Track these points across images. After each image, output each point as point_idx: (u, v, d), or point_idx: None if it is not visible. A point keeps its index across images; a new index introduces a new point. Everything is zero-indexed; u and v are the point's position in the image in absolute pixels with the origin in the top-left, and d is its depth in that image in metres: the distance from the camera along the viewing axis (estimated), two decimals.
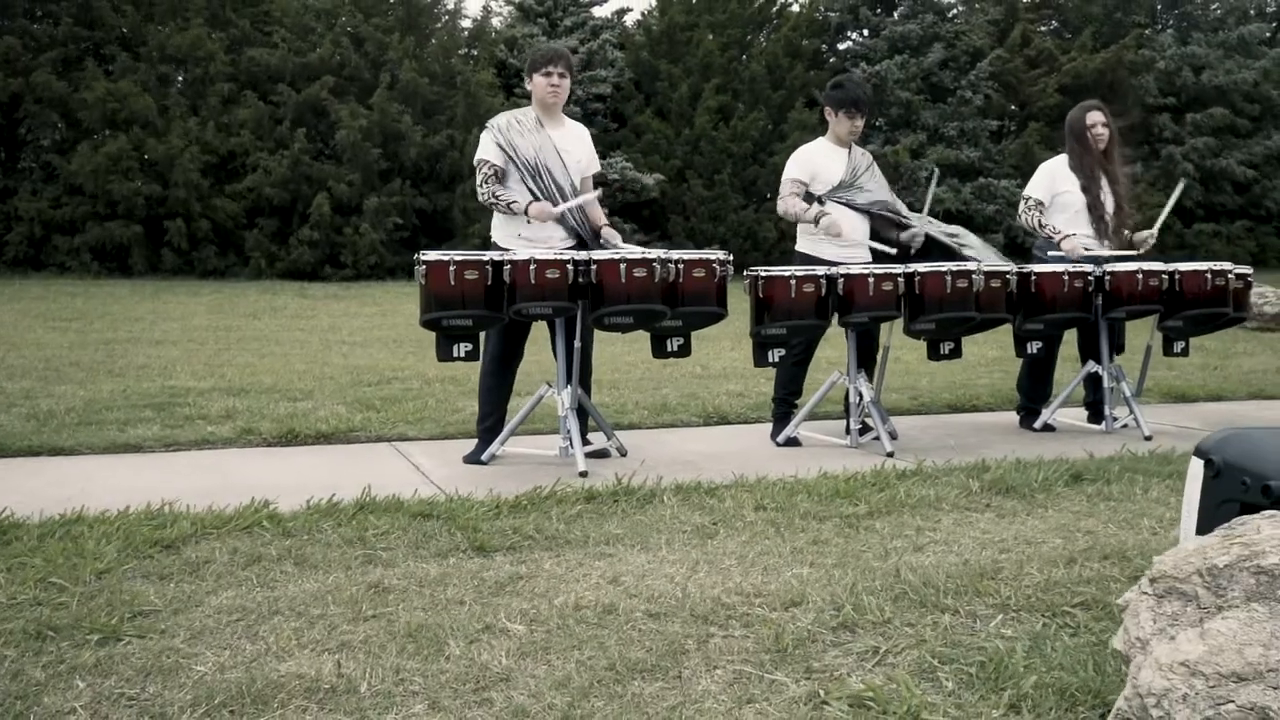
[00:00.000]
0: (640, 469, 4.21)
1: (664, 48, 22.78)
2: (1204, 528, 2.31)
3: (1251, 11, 26.70)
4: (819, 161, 5.17)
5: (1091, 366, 5.43)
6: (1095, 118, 5.55)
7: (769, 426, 5.36)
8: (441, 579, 2.69)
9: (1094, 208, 5.46)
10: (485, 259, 4.15)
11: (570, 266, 4.13)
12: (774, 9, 24.13)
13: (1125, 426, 5.43)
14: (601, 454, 4.74)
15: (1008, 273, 4.89)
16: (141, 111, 18.28)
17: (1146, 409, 6.48)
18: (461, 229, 19.85)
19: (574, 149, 4.74)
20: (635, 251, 4.21)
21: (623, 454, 4.77)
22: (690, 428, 5.79)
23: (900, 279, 4.57)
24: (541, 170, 4.59)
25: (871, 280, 4.49)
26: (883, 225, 5.19)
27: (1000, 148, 23.71)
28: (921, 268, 4.62)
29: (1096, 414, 5.62)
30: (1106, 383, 5.36)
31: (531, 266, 4.07)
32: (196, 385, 7.33)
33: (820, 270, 4.58)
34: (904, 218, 5.13)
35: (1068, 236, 5.37)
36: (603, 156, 20.87)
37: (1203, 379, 8.00)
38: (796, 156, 5.23)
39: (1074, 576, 2.61)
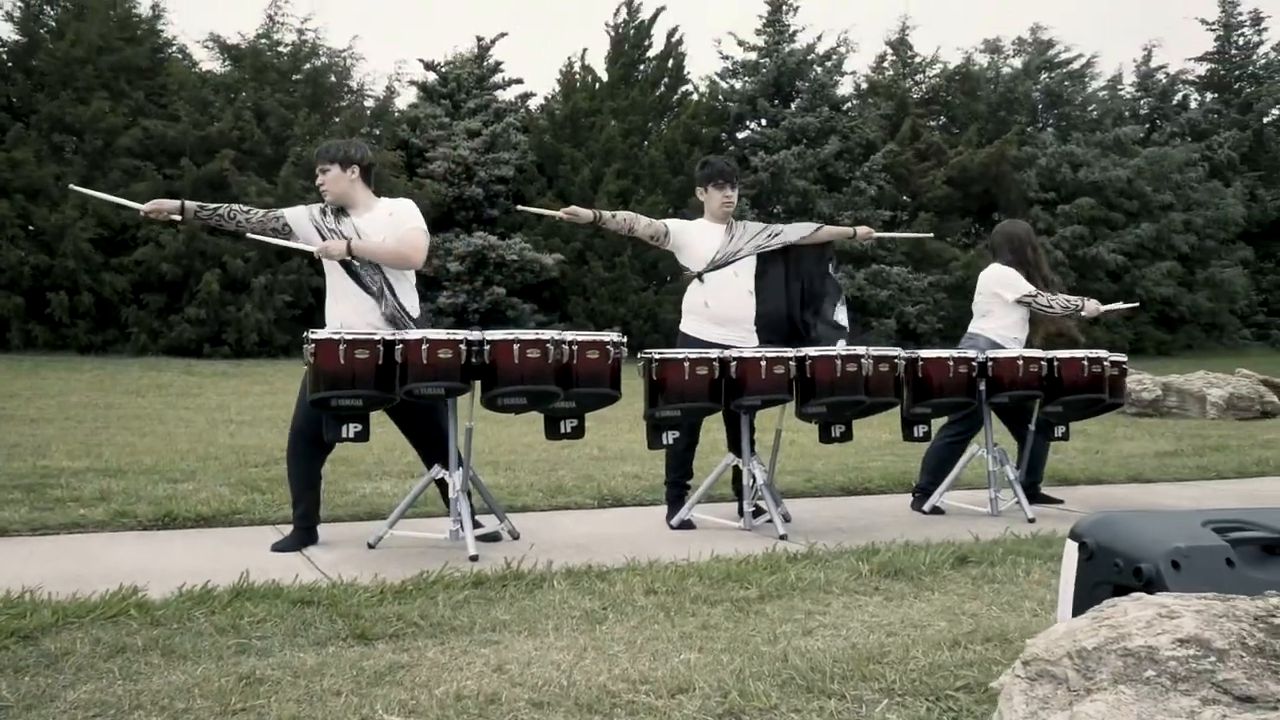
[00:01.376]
0: (531, 552, 4.14)
1: (567, 132, 23.11)
2: (1079, 610, 2.35)
3: (1126, 114, 28.33)
4: (692, 235, 5.23)
5: (974, 450, 5.57)
6: (1033, 236, 5.92)
7: (664, 509, 5.34)
8: (319, 669, 2.58)
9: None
10: (376, 338, 4.09)
11: (463, 346, 4.09)
12: (674, 98, 24.72)
13: (1010, 510, 5.55)
14: (493, 537, 4.66)
15: (895, 357, 5.00)
16: (39, 180, 17.79)
17: None
18: None
19: (380, 229, 4.62)
20: (528, 334, 4.19)
21: (515, 537, 4.69)
22: (585, 510, 5.74)
23: (791, 362, 4.64)
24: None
25: (763, 364, 4.54)
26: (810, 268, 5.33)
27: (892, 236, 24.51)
28: (812, 352, 4.70)
29: (1034, 495, 5.79)
30: (990, 465, 5.50)
31: (424, 346, 4.02)
32: (70, 465, 7.02)
33: (713, 353, 4.62)
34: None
35: (1090, 300, 5.63)
36: (503, 238, 21.04)
37: (1084, 462, 8.26)
38: (673, 222, 5.38)
39: (958, 660, 2.63)
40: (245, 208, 4.84)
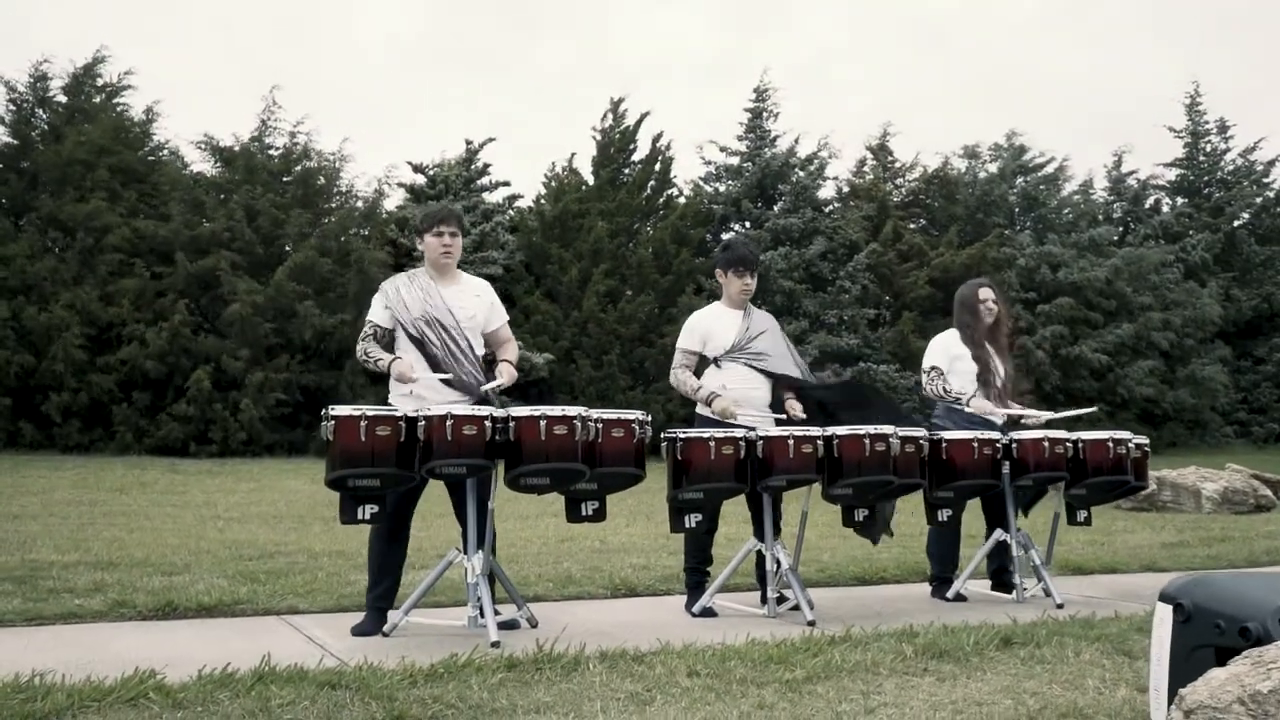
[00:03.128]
0: (559, 638, 3.98)
1: (555, 232, 23.31)
2: (1176, 675, 2.24)
3: (1100, 216, 28.91)
4: (710, 325, 5.20)
5: (999, 535, 5.45)
6: (987, 293, 5.79)
7: (680, 598, 5.18)
8: None
9: (984, 375, 5.62)
10: (398, 414, 3.99)
11: (488, 423, 3.99)
12: (660, 200, 25.06)
13: (1034, 596, 5.42)
14: (511, 625, 4.48)
15: (921, 438, 4.92)
16: (30, 277, 17.75)
17: None
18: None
19: (468, 305, 4.67)
20: (555, 410, 4.10)
21: (533, 625, 4.52)
22: (599, 599, 5.56)
23: (819, 441, 4.55)
24: (432, 327, 4.52)
25: (791, 443, 4.45)
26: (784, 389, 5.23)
27: (877, 335, 24.67)
28: (840, 431, 4.62)
29: (1001, 584, 5.62)
30: (1015, 551, 5.38)
31: (448, 423, 3.92)
32: (60, 559, 6.78)
33: (739, 432, 4.53)
34: (803, 382, 5.16)
35: (974, 397, 5.50)
36: None
37: (1093, 552, 8.15)
38: (688, 324, 5.28)
39: None
40: (365, 348, 4.61)
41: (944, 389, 5.62)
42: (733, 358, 5.10)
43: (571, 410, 4.11)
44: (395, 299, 4.62)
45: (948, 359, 5.73)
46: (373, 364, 4.52)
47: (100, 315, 18.13)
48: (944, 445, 5.07)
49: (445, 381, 4.45)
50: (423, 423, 3.96)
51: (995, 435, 5.20)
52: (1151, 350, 25.74)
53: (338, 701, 2.84)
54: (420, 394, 4.42)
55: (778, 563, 4.79)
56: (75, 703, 2.75)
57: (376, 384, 20.28)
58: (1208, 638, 2.13)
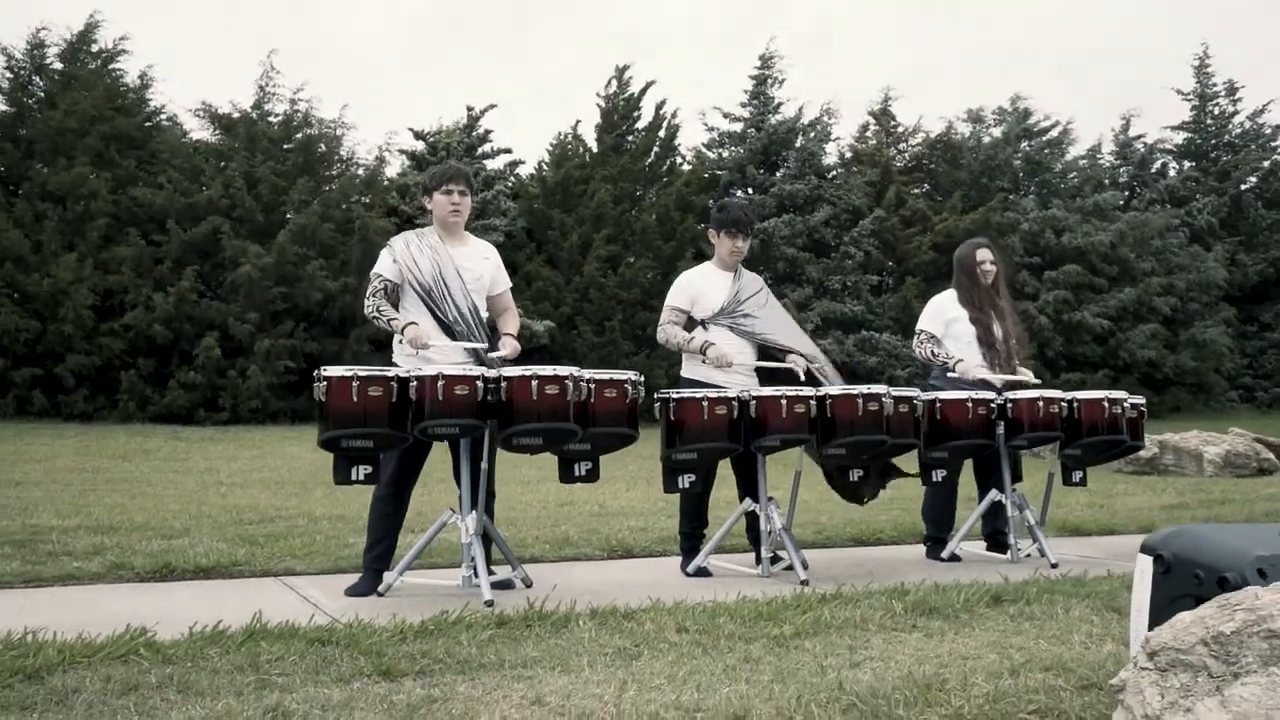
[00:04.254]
0: (551, 595, 4.00)
1: (557, 198, 23.23)
2: (1156, 624, 2.24)
3: (1105, 181, 28.72)
4: (700, 285, 5.16)
5: (994, 495, 5.46)
6: (984, 255, 5.75)
7: (676, 559, 5.20)
8: (346, 703, 2.43)
9: (984, 337, 5.60)
10: (390, 374, 3.98)
11: (480, 383, 3.98)
12: (664, 167, 24.94)
13: (1029, 556, 5.43)
14: (506, 585, 4.50)
15: (915, 398, 4.91)
16: (13, 247, 17.70)
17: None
18: None
19: (474, 267, 4.66)
20: (546, 369, 4.09)
21: (528, 585, 4.54)
22: (595, 560, 5.59)
23: (812, 401, 4.54)
24: (438, 288, 4.50)
25: (784, 402, 4.45)
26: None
27: (880, 301, 24.61)
28: (833, 391, 4.61)
29: (996, 544, 5.63)
30: (1010, 511, 5.38)
31: (439, 383, 3.91)
32: (60, 523, 6.82)
33: (732, 392, 4.53)
34: (786, 352, 5.13)
35: (960, 360, 5.48)
36: None
37: (1092, 514, 8.16)
38: (678, 281, 5.24)
39: (1021, 686, 2.50)
40: (376, 304, 4.51)
41: (932, 352, 5.60)
42: (718, 321, 5.07)
43: (563, 370, 4.10)
44: (405, 254, 4.58)
45: (942, 322, 5.71)
46: (385, 322, 4.44)
47: (99, 282, 18.13)
48: (939, 405, 5.06)
49: (469, 351, 4.43)
50: (414, 383, 3.96)
51: (990, 395, 5.19)
52: (1153, 315, 25.66)
53: (326, 657, 2.86)
54: (429, 356, 4.40)
55: (771, 522, 4.79)
56: (66, 659, 2.77)
57: (381, 351, 20.31)
58: (1187, 588, 2.12)
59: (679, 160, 25.30)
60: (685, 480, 4.62)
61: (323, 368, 4.06)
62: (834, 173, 26.11)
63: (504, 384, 4.01)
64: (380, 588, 4.34)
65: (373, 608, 4.01)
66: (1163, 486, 11.46)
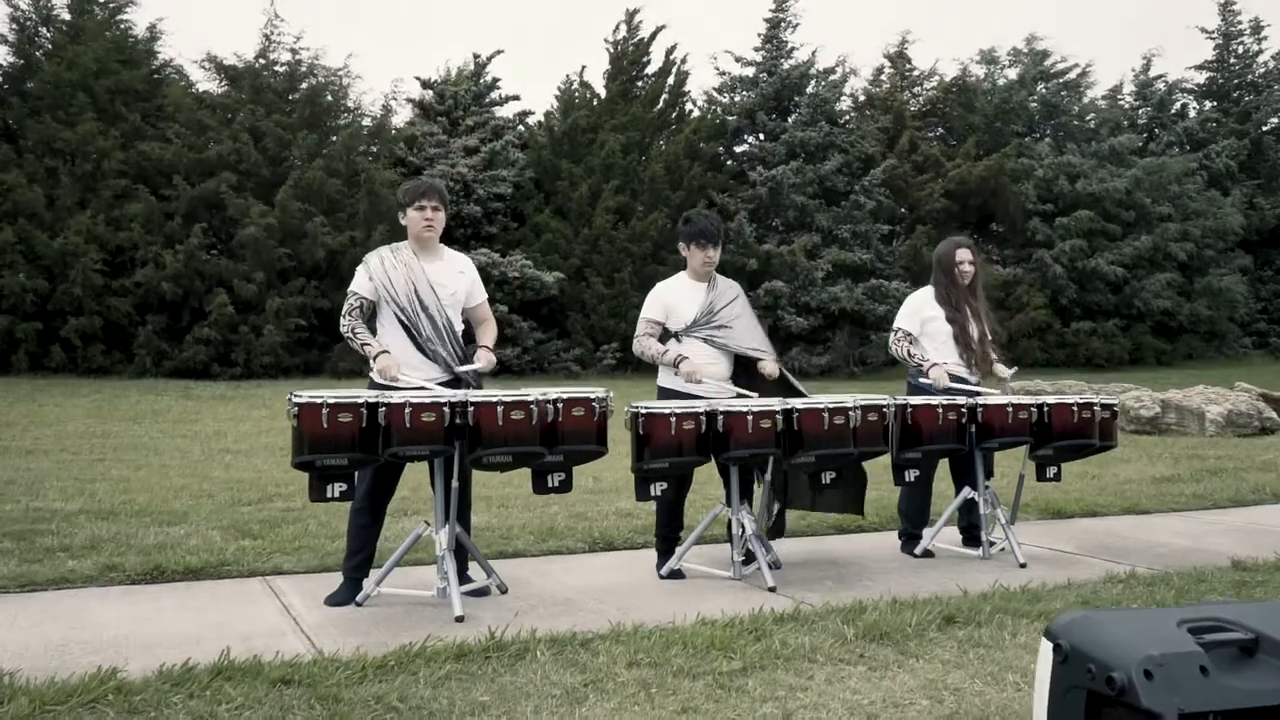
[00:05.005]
0: (518, 613, 4.15)
1: (565, 148, 23.13)
2: (1054, 713, 2.34)
3: (1124, 123, 28.31)
4: (674, 298, 5.21)
5: (967, 493, 5.55)
6: (964, 255, 5.77)
7: (654, 553, 5.33)
8: None
9: (960, 336, 5.65)
10: (360, 401, 4.08)
11: (446, 409, 4.08)
12: (674, 114, 24.74)
13: (1002, 550, 5.53)
14: (481, 592, 4.64)
15: (884, 406, 4.98)
16: (27, 204, 17.80)
17: (1023, 527, 6.64)
18: None
19: (449, 282, 4.72)
20: (511, 393, 4.18)
21: (503, 591, 4.68)
22: (576, 555, 5.73)
23: (779, 416, 4.62)
24: (413, 305, 4.57)
25: (750, 418, 4.53)
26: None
27: (891, 249, 24.50)
28: (799, 405, 4.68)
29: (971, 537, 5.73)
30: (983, 509, 5.48)
31: (407, 409, 4.01)
32: (64, 507, 7.02)
33: (700, 406, 4.61)
34: (761, 355, 5.19)
35: (934, 365, 5.54)
36: (502, 255, 21.04)
37: (1080, 490, 8.23)
38: (652, 294, 5.30)
39: None
40: (352, 325, 4.62)
41: (909, 352, 5.66)
42: (691, 333, 5.14)
43: (529, 394, 4.18)
44: (380, 272, 4.65)
45: (919, 320, 5.75)
46: (358, 346, 4.54)
47: (109, 240, 18.26)
48: (909, 411, 5.13)
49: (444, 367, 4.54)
50: (383, 409, 4.05)
51: (961, 400, 5.25)
52: (1169, 262, 25.48)
53: (285, 704, 2.99)
54: (401, 372, 4.51)
55: (743, 527, 4.90)
56: (37, 708, 2.92)
57: None
58: (1081, 681, 2.21)
59: (689, 107, 25.11)
60: (657, 488, 4.72)
61: (293, 393, 4.15)
62: (846, 118, 25.85)
63: (471, 409, 4.10)
64: (359, 597, 4.48)
65: (348, 622, 4.16)
66: (1161, 450, 11.51)
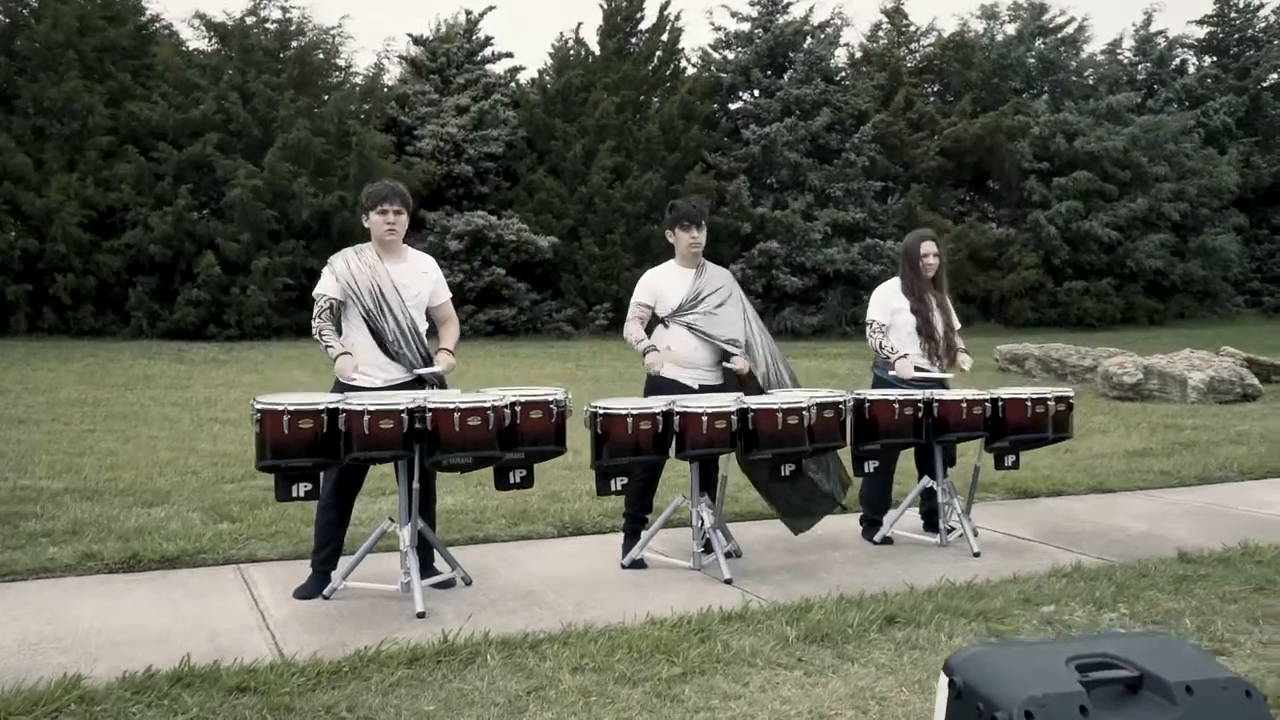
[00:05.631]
0: (482, 608, 4.30)
1: (559, 107, 23.03)
2: None
3: (1123, 79, 28.11)
4: (662, 284, 5.34)
5: (926, 482, 5.69)
6: (928, 248, 5.85)
7: (621, 538, 5.46)
8: None
9: (923, 328, 5.75)
10: (320, 407, 4.19)
11: (405, 415, 4.19)
12: (668, 71, 24.59)
13: (960, 536, 5.67)
14: (447, 584, 4.80)
15: (841, 403, 5.09)
16: (16, 166, 17.80)
17: (987, 508, 6.79)
18: None
19: (413, 283, 4.82)
20: (468, 398, 4.29)
21: (468, 583, 4.83)
22: (545, 540, 5.88)
23: (734, 416, 4.73)
24: (377, 307, 4.68)
25: (705, 419, 4.64)
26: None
27: (885, 208, 24.48)
28: (754, 404, 4.79)
29: (932, 525, 5.88)
30: (940, 498, 5.62)
31: (365, 417, 4.13)
32: (50, 485, 7.17)
33: (657, 408, 4.72)
34: (737, 351, 5.29)
35: (901, 358, 5.65)
36: (495, 214, 21.04)
37: (1050, 466, 8.36)
38: (643, 279, 5.42)
39: None
40: (320, 327, 4.73)
41: (880, 344, 5.76)
42: (676, 319, 5.26)
43: (486, 399, 4.29)
44: (345, 274, 4.75)
45: (888, 311, 5.84)
46: (323, 348, 4.69)
47: (99, 200, 18.28)
48: (867, 406, 5.25)
49: (418, 377, 4.66)
50: (343, 415, 4.17)
51: (918, 395, 5.36)
52: (1163, 221, 25.45)
53: (239, 714, 3.14)
54: (364, 371, 4.64)
55: (702, 520, 5.04)
56: (4, 716, 3.07)
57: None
58: (972, 718, 2.34)
59: (683, 65, 24.95)
60: (617, 483, 4.85)
61: (257, 398, 4.27)
62: (841, 75, 25.69)
63: (429, 414, 4.22)
64: (326, 590, 4.63)
65: (313, 617, 4.31)
66: (1139, 419, 11.63)
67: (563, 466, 7.95)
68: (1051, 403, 5.41)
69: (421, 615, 4.28)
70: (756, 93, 25.21)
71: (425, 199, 21.03)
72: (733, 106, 25.74)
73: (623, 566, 5.18)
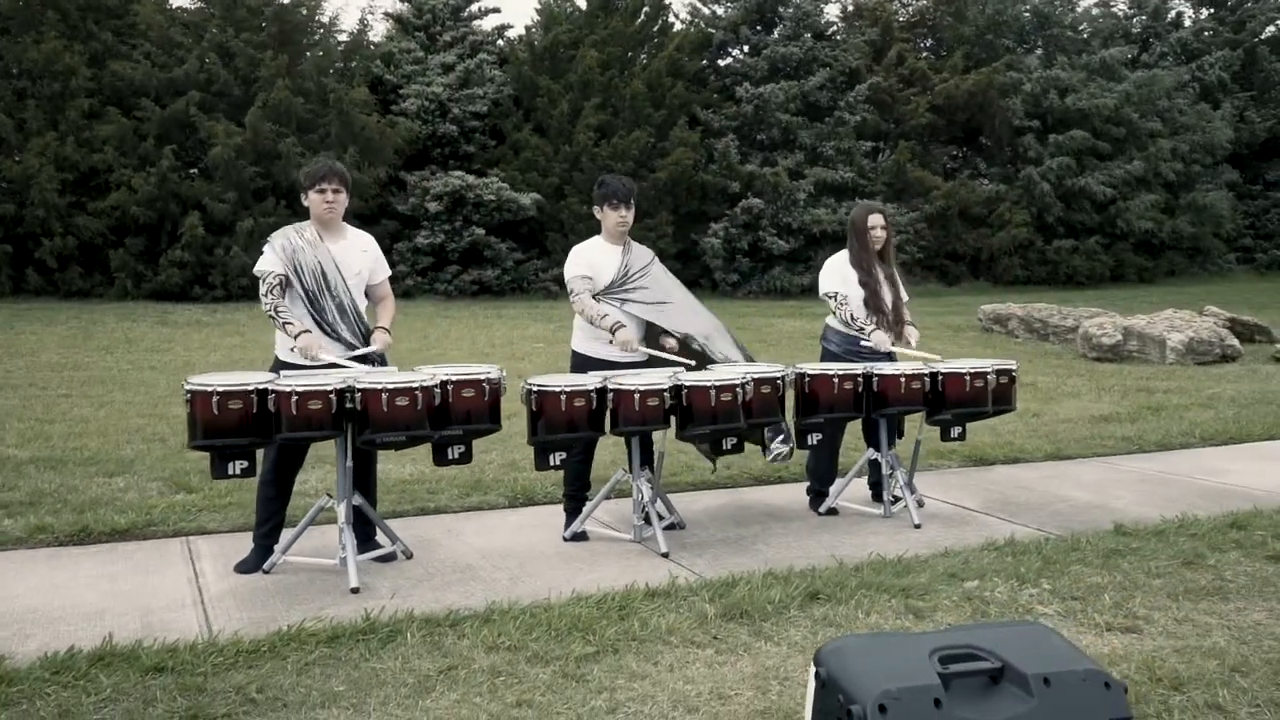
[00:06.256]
0: (412, 586, 4.37)
1: (545, 64, 22.85)
2: None
3: (1118, 34, 27.82)
4: (595, 257, 5.35)
5: (870, 454, 5.74)
6: (875, 220, 5.84)
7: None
8: None
9: (872, 301, 5.76)
10: (250, 388, 4.23)
11: (333, 396, 4.23)
12: (656, 27, 24.36)
13: (907, 506, 5.72)
14: (388, 557, 4.86)
15: (778, 378, 5.12)
16: (3, 128, 17.74)
17: (939, 476, 6.85)
18: None
19: (353, 262, 4.85)
20: (398, 378, 4.33)
21: (408, 556, 4.90)
22: (496, 510, 5.95)
23: (667, 393, 4.77)
24: (318, 285, 4.71)
25: (638, 396, 4.68)
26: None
27: (874, 165, 24.34)
28: (687, 381, 4.83)
29: (879, 495, 5.93)
30: (885, 470, 5.67)
31: (293, 398, 4.16)
32: (16, 454, 7.25)
33: (591, 385, 4.75)
34: (666, 331, 5.33)
35: (875, 330, 5.67)
36: (480, 174, 20.95)
37: (1013, 431, 8.42)
38: (574, 253, 5.41)
39: None
40: (274, 304, 4.74)
41: (851, 315, 5.75)
42: (608, 297, 5.28)
43: (415, 379, 4.33)
44: (287, 251, 4.77)
45: (844, 283, 5.85)
46: (280, 325, 4.67)
47: (79, 161, 18.21)
48: (807, 380, 5.28)
49: (357, 358, 4.69)
50: (272, 396, 4.21)
51: (858, 369, 5.39)
52: (1158, 180, 25.31)
53: (150, 695, 3.21)
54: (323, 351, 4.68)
55: (641, 493, 5.10)
56: None
57: (368, 225, 20.47)
58: (834, 709, 2.40)
59: (671, 20, 24.70)
60: (556, 458, 4.89)
61: (188, 379, 4.31)
62: (833, 29, 25.44)
63: (358, 394, 4.26)
64: (266, 564, 4.70)
65: (250, 592, 4.38)
66: (1113, 383, 11.67)
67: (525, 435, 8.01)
68: (991, 376, 5.44)
69: (355, 590, 4.35)
70: (746, 49, 24.98)
71: (410, 159, 20.94)
72: (722, 64, 25.51)
73: (564, 539, 5.25)
